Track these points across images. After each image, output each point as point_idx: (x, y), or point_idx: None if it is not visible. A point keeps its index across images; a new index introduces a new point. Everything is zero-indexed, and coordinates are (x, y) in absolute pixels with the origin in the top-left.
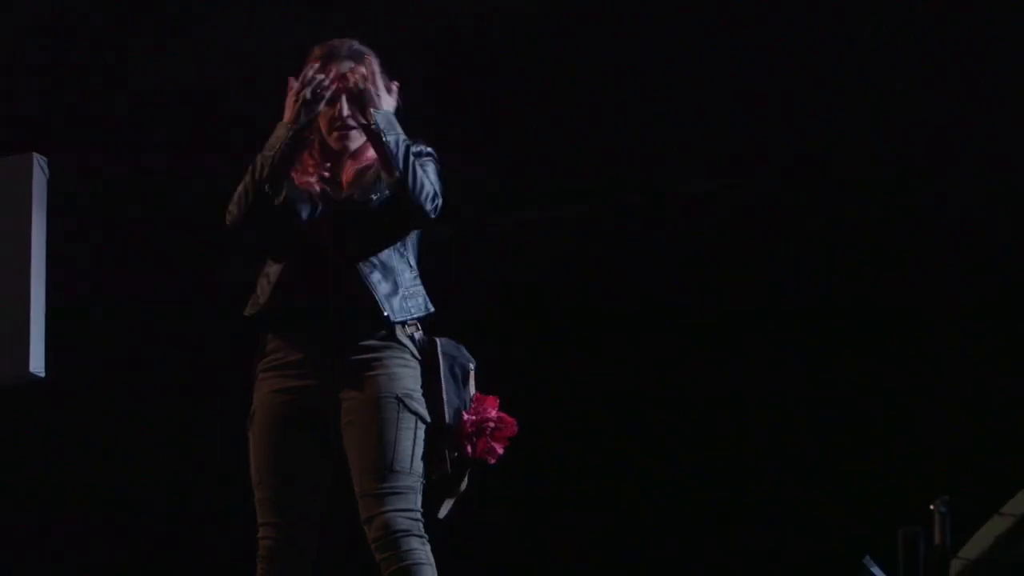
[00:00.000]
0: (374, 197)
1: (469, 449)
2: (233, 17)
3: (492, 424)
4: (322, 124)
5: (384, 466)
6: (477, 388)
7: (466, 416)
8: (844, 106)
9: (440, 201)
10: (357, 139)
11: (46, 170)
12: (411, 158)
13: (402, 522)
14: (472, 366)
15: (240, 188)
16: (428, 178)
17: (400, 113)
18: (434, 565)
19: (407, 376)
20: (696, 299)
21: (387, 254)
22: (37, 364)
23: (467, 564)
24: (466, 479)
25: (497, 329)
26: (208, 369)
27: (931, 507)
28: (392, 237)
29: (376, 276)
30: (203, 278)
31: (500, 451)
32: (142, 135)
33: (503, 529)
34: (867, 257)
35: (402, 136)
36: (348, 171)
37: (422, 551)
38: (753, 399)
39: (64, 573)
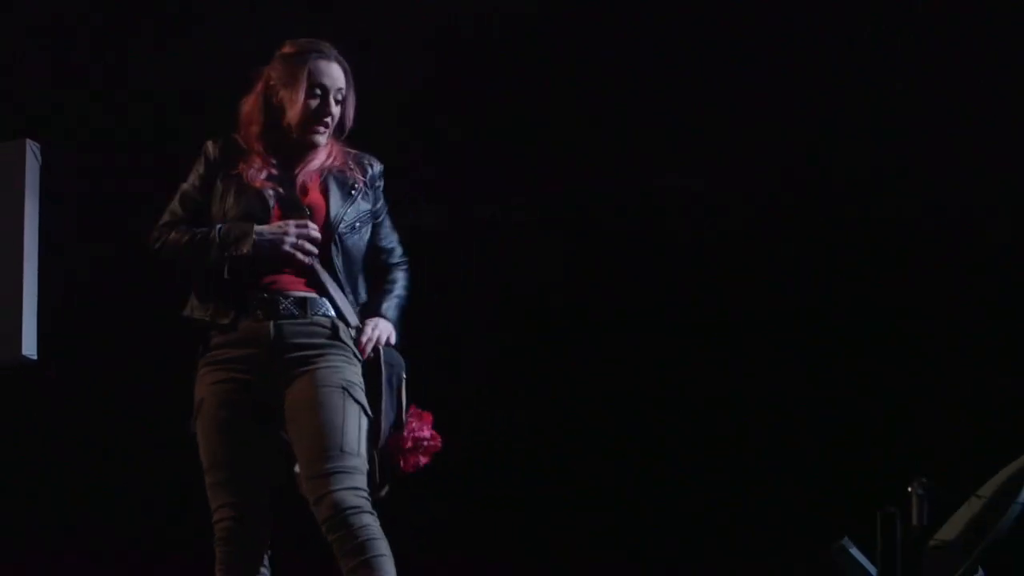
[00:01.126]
0: (357, 225)
1: (401, 463)
2: (233, 17)
3: (427, 442)
4: (291, 110)
5: (332, 446)
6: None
7: (405, 432)
8: (842, 106)
9: (403, 254)
10: (325, 137)
11: (39, 156)
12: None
13: (352, 499)
14: (404, 375)
15: (175, 244)
16: (395, 248)
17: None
18: (386, 540)
19: (349, 370)
20: (679, 287)
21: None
22: (29, 347)
23: (467, 564)
24: (387, 488)
25: (489, 327)
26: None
27: (908, 489)
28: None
29: (336, 289)
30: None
31: (424, 463)
32: (138, 128)
33: (501, 529)
34: (846, 245)
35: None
36: (306, 171)
37: (374, 526)
38: (732, 384)
39: (55, 555)
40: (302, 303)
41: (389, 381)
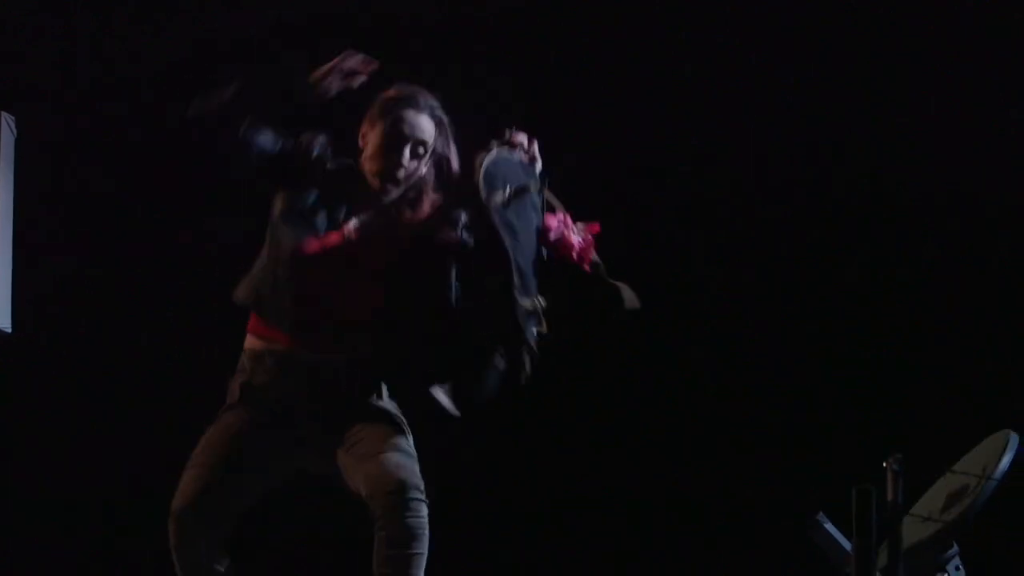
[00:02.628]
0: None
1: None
2: None
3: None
4: (367, 152)
5: (400, 449)
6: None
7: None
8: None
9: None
10: (396, 192)
11: (14, 129)
12: None
13: (415, 488)
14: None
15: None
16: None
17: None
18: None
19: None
20: (653, 262)
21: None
22: (3, 319)
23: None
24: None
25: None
26: (176, 325)
27: (884, 465)
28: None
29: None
30: (172, 236)
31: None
32: (115, 97)
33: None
34: (822, 223)
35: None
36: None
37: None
38: (708, 362)
39: (32, 528)
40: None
41: (510, 227)
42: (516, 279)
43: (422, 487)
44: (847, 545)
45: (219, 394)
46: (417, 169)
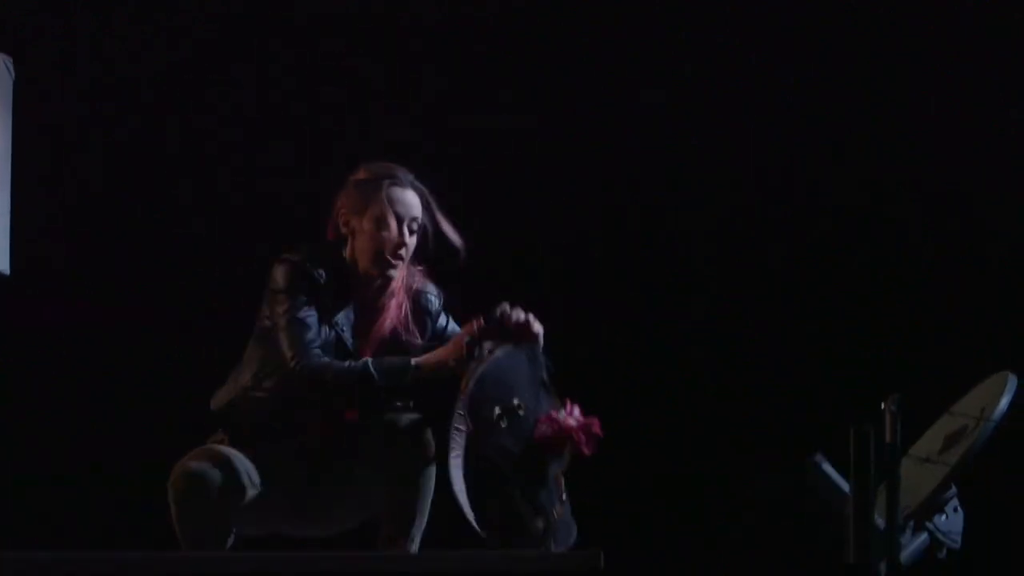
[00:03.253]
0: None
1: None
2: None
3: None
4: (361, 240)
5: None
6: None
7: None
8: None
9: None
10: (401, 270)
11: (12, 71)
12: None
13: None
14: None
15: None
16: None
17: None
18: None
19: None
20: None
21: None
22: (1, 262)
23: None
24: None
25: None
26: (172, 269)
27: (882, 405)
28: None
29: None
30: (169, 180)
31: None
32: (115, 44)
33: None
34: (821, 167)
35: None
36: (380, 311)
37: None
38: (705, 301)
39: (33, 471)
40: None
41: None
42: (521, 507)
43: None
44: (845, 487)
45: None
46: (413, 246)
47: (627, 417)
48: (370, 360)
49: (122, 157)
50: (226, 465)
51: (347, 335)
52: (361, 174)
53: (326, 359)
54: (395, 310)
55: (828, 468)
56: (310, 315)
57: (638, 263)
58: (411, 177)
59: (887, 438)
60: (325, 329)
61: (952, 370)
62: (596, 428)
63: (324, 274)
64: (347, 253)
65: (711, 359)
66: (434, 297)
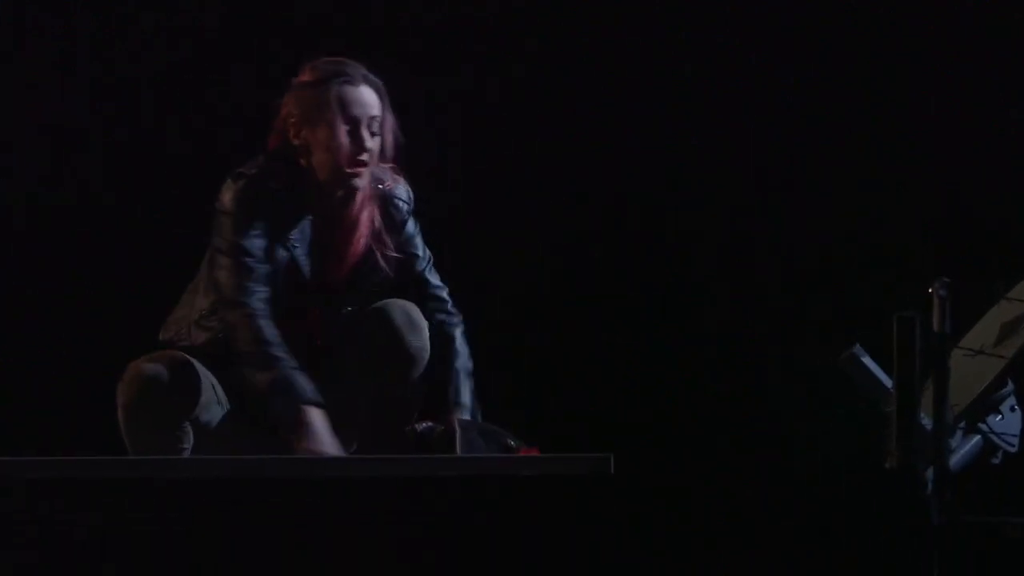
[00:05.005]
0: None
1: None
2: None
3: None
4: (318, 151)
5: None
6: None
7: None
8: None
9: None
10: (366, 177)
11: None
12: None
13: None
14: None
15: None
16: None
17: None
18: None
19: None
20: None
21: None
22: None
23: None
24: None
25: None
26: (173, 269)
27: (929, 291)
28: None
29: None
30: (169, 180)
31: None
32: None
33: None
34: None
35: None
36: (346, 223)
37: None
38: (740, 188)
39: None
40: None
41: None
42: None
43: None
44: (887, 381)
45: None
46: (377, 148)
47: (650, 312)
48: (282, 367)
49: (122, 157)
50: (187, 368)
51: (300, 255)
52: (306, 75)
53: (257, 317)
54: (366, 225)
55: (868, 361)
56: (256, 241)
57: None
58: (363, 71)
59: (934, 327)
60: (280, 250)
61: (1008, 251)
62: None
63: (279, 187)
64: (304, 163)
65: (743, 246)
66: (403, 203)
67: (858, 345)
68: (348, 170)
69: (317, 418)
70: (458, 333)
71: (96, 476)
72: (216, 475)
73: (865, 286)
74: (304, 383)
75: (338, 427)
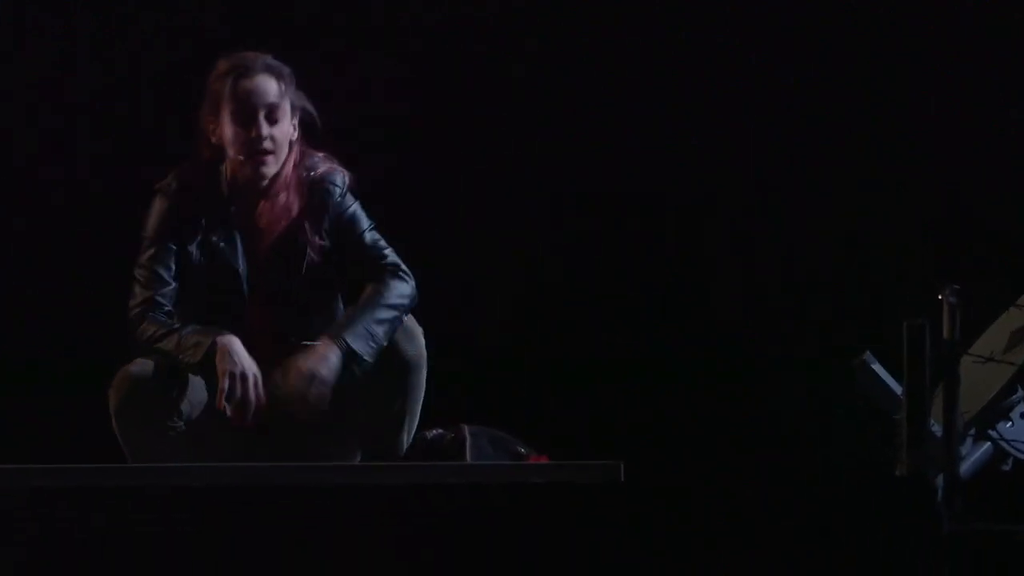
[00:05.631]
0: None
1: None
2: None
3: None
4: (229, 145)
5: None
6: None
7: None
8: None
9: (405, 270)
10: (273, 164)
11: None
12: (387, 331)
13: None
14: None
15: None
16: (397, 277)
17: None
18: None
19: None
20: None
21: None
22: None
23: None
24: None
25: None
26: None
27: (939, 298)
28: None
29: None
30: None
31: None
32: None
33: None
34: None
35: (375, 339)
36: (264, 215)
37: None
38: (750, 189)
39: None
40: None
41: None
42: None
43: None
44: (897, 388)
45: None
46: (284, 134)
47: (660, 312)
48: (184, 327)
49: (122, 157)
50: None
51: (228, 253)
52: (213, 72)
53: (154, 318)
54: (280, 210)
55: (878, 368)
56: (166, 255)
57: None
58: (265, 60)
59: (944, 334)
60: (197, 255)
61: (1018, 258)
62: None
63: (198, 192)
64: (222, 160)
65: (751, 244)
66: (335, 186)
67: (868, 352)
68: (250, 160)
69: (232, 341)
70: (394, 283)
71: (102, 484)
72: (224, 483)
73: (873, 291)
74: (207, 327)
75: (339, 437)
